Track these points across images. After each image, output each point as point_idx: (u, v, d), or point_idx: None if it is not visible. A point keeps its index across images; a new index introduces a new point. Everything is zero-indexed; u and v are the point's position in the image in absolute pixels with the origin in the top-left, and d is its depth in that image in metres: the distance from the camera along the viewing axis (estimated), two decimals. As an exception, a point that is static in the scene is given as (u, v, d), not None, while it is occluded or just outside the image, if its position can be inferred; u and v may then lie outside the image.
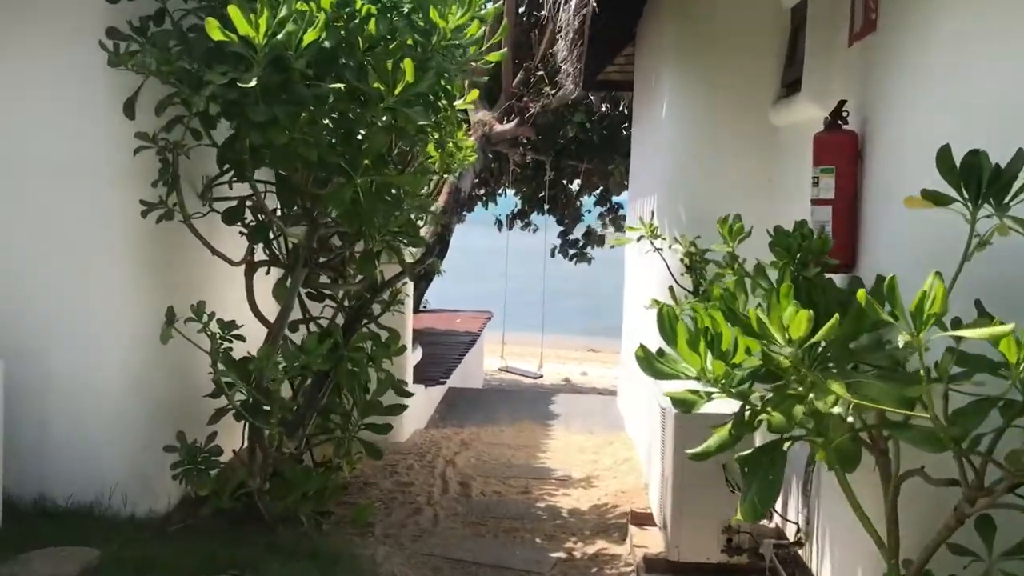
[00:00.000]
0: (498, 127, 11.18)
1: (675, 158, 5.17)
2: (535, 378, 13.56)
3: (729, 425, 2.27)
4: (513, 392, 11.26)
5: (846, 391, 2.04)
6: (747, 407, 2.23)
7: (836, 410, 2.08)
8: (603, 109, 12.83)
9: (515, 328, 15.15)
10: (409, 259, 4.87)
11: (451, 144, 4.57)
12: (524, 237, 14.81)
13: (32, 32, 3.93)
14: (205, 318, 3.68)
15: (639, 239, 4.59)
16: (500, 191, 14.58)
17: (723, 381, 2.17)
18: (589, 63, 7.10)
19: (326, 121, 3.54)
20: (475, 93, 4.13)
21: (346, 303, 4.63)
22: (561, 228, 14.46)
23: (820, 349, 2.15)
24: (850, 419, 2.24)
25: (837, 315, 1.97)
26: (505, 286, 14.18)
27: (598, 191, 13.85)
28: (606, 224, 14.11)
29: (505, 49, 4.01)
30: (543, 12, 12.15)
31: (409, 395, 4.48)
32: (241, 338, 3.82)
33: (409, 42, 3.66)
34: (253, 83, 3.20)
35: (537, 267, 14.62)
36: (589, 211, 14.40)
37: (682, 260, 4.56)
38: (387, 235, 4.21)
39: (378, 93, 3.44)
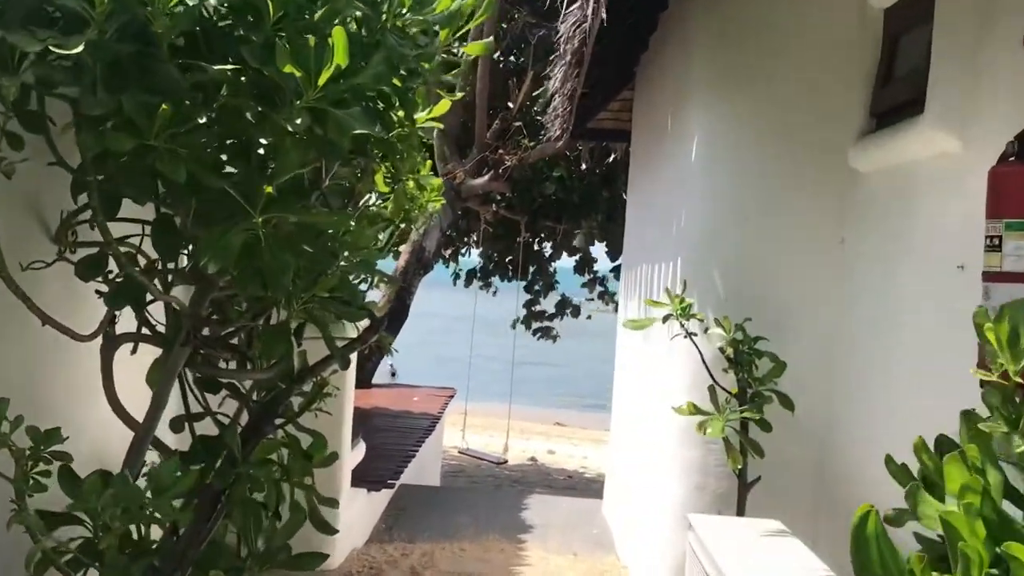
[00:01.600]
0: (469, 181, 10.02)
1: (709, 213, 3.92)
2: (498, 463, 12.13)
3: None
4: (477, 490, 9.83)
5: None
6: None
7: None
8: (582, 167, 11.76)
9: (477, 398, 13.82)
10: (353, 332, 3.54)
11: (410, 180, 3.30)
12: (488, 301, 13.56)
13: None
14: (7, 425, 2.33)
15: (665, 319, 3.36)
16: (464, 251, 13.37)
17: None
18: (585, 100, 5.93)
19: (206, 122, 2.25)
20: (446, 104, 2.85)
21: (253, 396, 3.27)
22: (528, 296, 13.23)
23: None
24: None
25: None
26: (470, 355, 12.87)
27: (577, 257, 12.66)
28: (593, 298, 12.95)
29: (491, 39, 2.73)
30: (523, 59, 11.19)
31: (324, 557, 3.10)
32: (66, 456, 2.46)
33: (352, 25, 2.43)
34: (79, 49, 1.93)
35: (500, 333, 13.40)
36: (559, 282, 13.23)
37: (722, 350, 3.34)
38: (310, 302, 2.89)
39: (293, 84, 2.18)
